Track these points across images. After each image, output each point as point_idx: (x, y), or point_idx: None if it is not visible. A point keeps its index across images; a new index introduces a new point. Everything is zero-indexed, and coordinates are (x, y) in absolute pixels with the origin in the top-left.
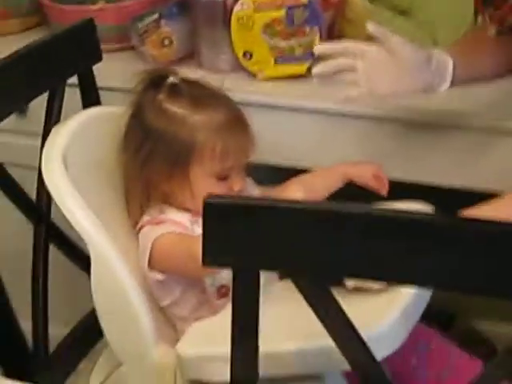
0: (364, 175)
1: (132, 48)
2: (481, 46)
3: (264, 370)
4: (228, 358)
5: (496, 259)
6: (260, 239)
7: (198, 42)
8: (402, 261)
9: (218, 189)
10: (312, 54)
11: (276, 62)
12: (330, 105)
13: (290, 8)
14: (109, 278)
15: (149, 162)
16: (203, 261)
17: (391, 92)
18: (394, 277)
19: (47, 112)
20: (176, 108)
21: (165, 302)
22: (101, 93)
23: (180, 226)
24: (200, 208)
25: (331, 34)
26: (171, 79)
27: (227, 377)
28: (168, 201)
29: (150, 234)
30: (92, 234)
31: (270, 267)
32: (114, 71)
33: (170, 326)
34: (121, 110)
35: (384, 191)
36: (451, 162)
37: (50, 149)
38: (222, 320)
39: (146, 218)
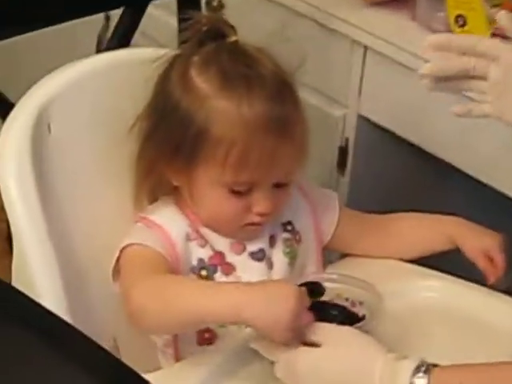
0: (473, 249)
1: None
2: None
3: None
4: None
5: None
6: None
7: None
8: None
9: (229, 204)
10: None
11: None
12: None
13: None
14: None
15: (151, 138)
16: None
17: None
18: None
19: None
20: (201, 81)
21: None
22: None
23: (164, 239)
24: (203, 217)
25: None
26: (214, 43)
27: None
28: (176, 196)
29: (130, 235)
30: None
31: None
32: None
33: None
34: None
35: (491, 277)
36: None
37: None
38: None
39: (147, 210)
